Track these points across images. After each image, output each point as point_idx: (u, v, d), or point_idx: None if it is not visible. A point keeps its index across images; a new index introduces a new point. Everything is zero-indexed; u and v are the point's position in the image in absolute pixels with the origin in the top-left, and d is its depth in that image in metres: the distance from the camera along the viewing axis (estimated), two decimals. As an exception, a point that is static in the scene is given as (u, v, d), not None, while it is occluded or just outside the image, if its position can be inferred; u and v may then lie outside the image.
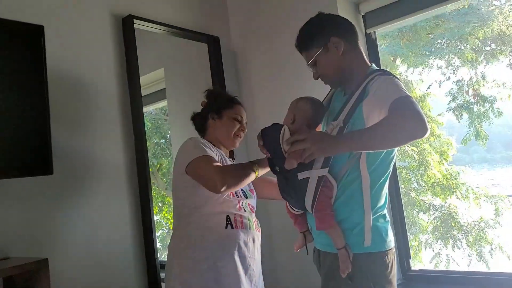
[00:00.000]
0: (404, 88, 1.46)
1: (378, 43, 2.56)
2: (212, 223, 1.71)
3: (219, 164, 1.69)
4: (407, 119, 1.32)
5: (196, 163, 1.68)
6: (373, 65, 1.63)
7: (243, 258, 1.73)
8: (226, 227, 1.71)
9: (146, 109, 2.47)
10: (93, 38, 2.12)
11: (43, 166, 1.68)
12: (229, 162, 1.86)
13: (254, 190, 1.93)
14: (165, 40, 2.60)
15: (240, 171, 1.72)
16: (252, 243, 1.79)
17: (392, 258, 1.55)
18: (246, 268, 1.74)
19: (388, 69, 1.62)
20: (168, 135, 3.70)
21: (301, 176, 1.48)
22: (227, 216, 1.72)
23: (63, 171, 1.87)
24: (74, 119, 1.99)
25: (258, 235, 1.84)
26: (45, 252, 1.70)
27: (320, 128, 1.71)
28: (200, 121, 1.95)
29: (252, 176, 1.73)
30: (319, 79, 1.66)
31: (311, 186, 1.48)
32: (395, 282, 1.57)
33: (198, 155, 1.69)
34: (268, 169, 1.73)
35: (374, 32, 2.55)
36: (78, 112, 2.01)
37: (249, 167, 1.72)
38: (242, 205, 1.79)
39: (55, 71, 1.88)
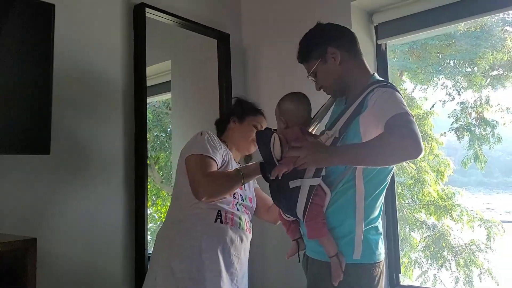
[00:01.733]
0: (403, 102, 1.44)
1: (388, 56, 2.55)
2: (203, 215, 1.72)
3: (213, 170, 1.69)
4: (402, 139, 1.30)
5: (193, 159, 1.71)
6: (375, 74, 1.62)
7: (227, 254, 1.73)
8: (215, 221, 1.72)
9: (149, 100, 2.45)
10: (103, 23, 2.10)
11: (41, 145, 1.65)
12: (235, 164, 1.87)
13: (253, 199, 1.93)
14: (175, 32, 2.57)
15: (227, 181, 1.72)
16: (240, 242, 1.78)
17: (380, 271, 1.53)
18: (228, 265, 1.73)
19: (393, 83, 1.59)
20: (168, 129, 3.68)
21: (292, 184, 1.46)
22: (219, 211, 1.73)
23: (60, 153, 1.84)
24: (77, 102, 1.97)
25: (247, 236, 1.84)
26: (34, 232, 1.66)
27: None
28: (222, 122, 2.00)
29: (238, 185, 1.74)
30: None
31: (302, 195, 1.47)
32: None
33: (199, 152, 1.70)
34: (255, 177, 1.75)
35: (385, 43, 2.53)
36: (81, 95, 1.99)
37: (236, 176, 1.72)
38: (236, 204, 1.79)
39: (62, 52, 1.86)
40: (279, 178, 1.42)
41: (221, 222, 1.73)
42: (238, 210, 1.79)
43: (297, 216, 1.51)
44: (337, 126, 1.49)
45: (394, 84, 1.56)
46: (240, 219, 1.79)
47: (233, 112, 1.99)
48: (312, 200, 1.47)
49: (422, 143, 1.31)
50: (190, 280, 1.65)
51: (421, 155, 1.33)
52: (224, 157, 1.79)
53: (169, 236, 1.74)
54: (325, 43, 1.57)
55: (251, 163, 1.80)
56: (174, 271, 1.65)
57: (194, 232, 1.70)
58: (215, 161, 1.71)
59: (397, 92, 1.49)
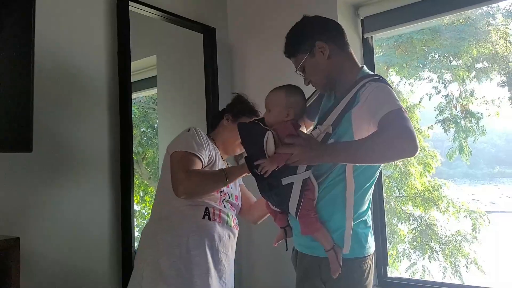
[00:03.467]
0: (396, 97, 1.42)
1: (373, 50, 2.54)
2: (191, 212, 1.69)
3: (196, 168, 1.65)
4: (397, 137, 1.29)
5: (177, 156, 1.67)
6: (365, 67, 1.59)
7: (215, 251, 1.70)
8: (203, 218, 1.69)
9: (135, 96, 2.41)
10: (85, 17, 2.04)
11: (23, 143, 1.59)
12: (221, 163, 1.83)
13: (239, 198, 1.89)
14: (160, 26, 2.53)
15: (208, 180, 1.68)
16: (228, 239, 1.76)
17: (370, 264, 1.53)
18: (216, 262, 1.71)
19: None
20: (155, 125, 3.65)
21: (285, 181, 1.43)
22: (206, 207, 1.70)
23: (43, 150, 1.79)
24: (60, 98, 1.92)
25: (235, 233, 1.81)
26: (17, 231, 1.63)
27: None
28: (215, 118, 1.94)
29: (221, 186, 1.71)
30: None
31: (295, 191, 1.45)
32: None
33: (184, 149, 1.67)
34: (238, 178, 1.72)
35: (372, 37, 2.52)
36: (64, 92, 1.93)
37: (219, 177, 1.68)
38: (223, 201, 1.77)
39: (43, 47, 1.81)
40: (267, 174, 1.38)
41: (209, 219, 1.70)
42: (225, 207, 1.77)
43: (289, 212, 1.49)
44: (328, 121, 1.47)
45: (385, 79, 1.54)
46: (228, 216, 1.76)
47: (229, 109, 1.93)
48: (304, 196, 1.44)
49: (417, 141, 1.29)
50: (178, 277, 1.62)
51: (417, 153, 1.31)
52: (211, 156, 1.75)
53: (156, 233, 1.70)
54: (312, 36, 1.53)
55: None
56: (161, 268, 1.62)
57: (181, 229, 1.67)
58: (200, 159, 1.67)
59: (389, 87, 1.47)
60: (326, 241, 1.46)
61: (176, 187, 1.62)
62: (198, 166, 1.67)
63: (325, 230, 1.47)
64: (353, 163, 1.44)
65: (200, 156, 1.67)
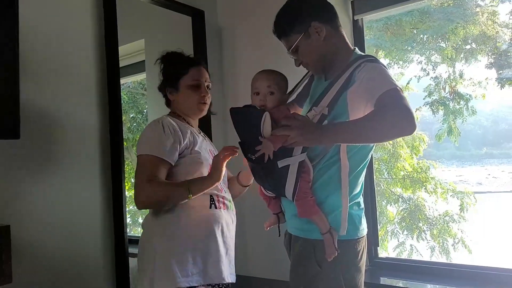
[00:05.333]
0: (392, 77, 1.40)
1: (364, 32, 2.52)
2: (196, 203, 1.62)
3: (160, 175, 1.56)
4: (396, 116, 1.29)
5: (141, 161, 1.59)
6: (357, 49, 1.57)
7: (225, 238, 1.68)
8: (210, 207, 1.64)
9: (123, 81, 2.36)
10: (71, 1, 1.98)
11: (10, 130, 1.56)
12: (201, 140, 1.73)
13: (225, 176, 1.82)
14: (148, 9, 2.48)
15: (169, 193, 1.59)
16: (232, 223, 1.74)
17: (363, 246, 1.54)
18: (227, 249, 1.69)
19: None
20: (145, 110, 3.60)
21: (281, 164, 1.41)
22: (211, 196, 1.65)
23: (31, 137, 1.76)
24: (47, 85, 1.87)
25: (235, 216, 1.78)
26: (7, 219, 1.60)
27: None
28: (165, 100, 1.81)
29: (180, 201, 1.60)
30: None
31: (291, 174, 1.43)
32: (363, 269, 1.55)
33: (149, 152, 1.58)
34: (203, 191, 1.61)
35: (362, 19, 2.50)
36: (51, 78, 1.88)
37: (182, 191, 1.58)
38: (221, 186, 1.72)
39: (29, 33, 1.76)
40: (270, 158, 1.36)
41: (216, 207, 1.66)
42: (225, 192, 1.73)
43: (285, 196, 1.48)
44: (323, 102, 1.44)
45: (377, 58, 1.53)
46: (230, 201, 1.74)
47: (163, 84, 1.78)
48: (300, 178, 1.44)
49: (415, 118, 1.29)
50: (194, 267, 1.58)
51: (415, 131, 1.32)
52: (187, 138, 1.65)
53: (161, 228, 1.62)
54: (308, 17, 1.48)
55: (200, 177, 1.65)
56: (171, 264, 1.56)
57: (191, 221, 1.61)
58: (166, 161, 1.58)
59: (385, 67, 1.45)
60: (323, 224, 1.45)
61: (136, 195, 1.55)
62: (162, 172, 1.58)
63: (321, 213, 1.46)
64: (352, 143, 1.44)
65: (166, 159, 1.58)
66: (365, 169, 1.55)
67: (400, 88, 1.35)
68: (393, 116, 1.28)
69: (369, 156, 1.54)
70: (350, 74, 1.43)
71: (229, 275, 1.68)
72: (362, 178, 1.55)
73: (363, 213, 1.56)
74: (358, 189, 1.54)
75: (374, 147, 1.58)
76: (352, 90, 1.42)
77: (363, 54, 1.55)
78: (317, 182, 1.49)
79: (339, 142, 1.43)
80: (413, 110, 1.31)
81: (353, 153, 1.47)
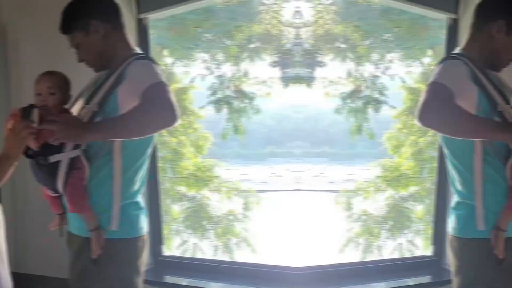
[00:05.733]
0: (160, 72, 1.70)
1: (149, 31, 2.88)
2: None
3: None
4: (157, 108, 1.56)
5: None
6: (137, 49, 1.85)
7: None
8: None
9: None
10: None
11: None
12: None
13: None
14: None
15: None
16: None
17: (142, 245, 1.82)
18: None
19: (154, 58, 1.87)
20: None
21: (52, 159, 1.66)
22: None
23: None
24: None
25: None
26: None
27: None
28: None
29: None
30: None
31: (62, 169, 1.67)
32: (142, 268, 1.84)
33: None
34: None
35: (147, 18, 2.86)
36: None
37: None
38: None
39: None
40: (37, 151, 1.60)
41: None
42: None
43: (58, 190, 1.72)
44: (95, 99, 1.69)
45: (153, 58, 1.83)
46: None
47: None
48: (73, 174, 1.68)
49: (177, 110, 1.57)
50: None
51: (177, 123, 1.59)
52: None
53: None
54: (88, 15, 1.74)
55: None
56: None
57: None
58: None
59: (154, 64, 1.74)
60: (90, 220, 1.72)
61: None
62: None
63: (92, 210, 1.71)
64: (120, 138, 1.66)
65: None
66: (145, 167, 1.81)
67: (165, 82, 1.65)
68: (155, 108, 1.55)
69: (147, 153, 1.80)
70: (121, 72, 1.70)
71: None
72: (140, 176, 1.81)
73: (143, 212, 1.82)
74: (136, 187, 1.80)
75: (152, 144, 1.83)
76: (122, 87, 1.69)
77: (139, 52, 1.83)
78: (92, 181, 1.74)
79: (107, 138, 1.66)
80: (176, 103, 1.59)
81: (129, 150, 1.74)
